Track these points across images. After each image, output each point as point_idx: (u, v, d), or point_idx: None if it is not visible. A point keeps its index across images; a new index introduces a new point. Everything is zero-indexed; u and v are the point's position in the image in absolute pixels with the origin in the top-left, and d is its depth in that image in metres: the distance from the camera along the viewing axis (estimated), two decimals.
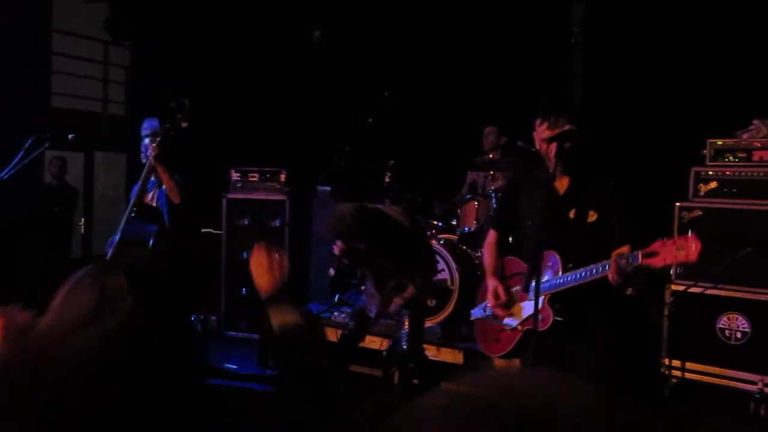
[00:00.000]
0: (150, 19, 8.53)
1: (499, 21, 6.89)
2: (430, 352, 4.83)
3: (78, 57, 8.69)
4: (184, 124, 4.54)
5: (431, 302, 5.17)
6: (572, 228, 2.96)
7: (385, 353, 5.00)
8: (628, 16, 6.26)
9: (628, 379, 4.30)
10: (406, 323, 4.37)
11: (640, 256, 2.60)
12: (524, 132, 5.52)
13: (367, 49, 7.54)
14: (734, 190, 4.79)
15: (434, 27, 7.19)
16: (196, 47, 8.25)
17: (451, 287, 5.09)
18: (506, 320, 3.08)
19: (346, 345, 4.68)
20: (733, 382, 4.68)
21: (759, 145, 4.79)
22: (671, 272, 4.76)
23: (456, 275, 5.09)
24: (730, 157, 4.86)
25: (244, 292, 6.61)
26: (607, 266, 2.68)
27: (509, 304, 3.07)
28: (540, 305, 2.81)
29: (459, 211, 5.69)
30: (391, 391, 4.94)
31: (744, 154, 4.82)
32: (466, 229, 5.56)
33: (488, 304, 3.15)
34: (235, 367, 5.60)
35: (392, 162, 5.55)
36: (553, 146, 2.92)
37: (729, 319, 4.76)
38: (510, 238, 3.62)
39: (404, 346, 4.37)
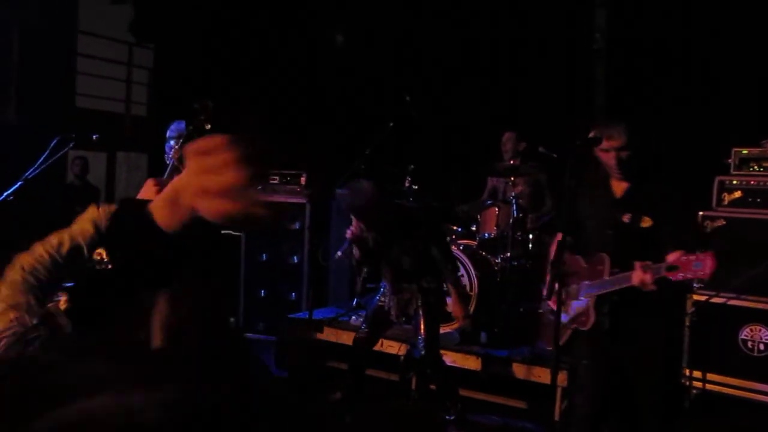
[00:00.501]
0: (174, 22, 8.60)
1: (521, 26, 6.86)
2: (448, 357, 4.81)
3: (102, 58, 8.79)
4: (207, 126, 4.54)
5: (449, 307, 5.16)
6: (625, 232, 3.05)
7: (402, 358, 5.00)
8: (651, 22, 6.21)
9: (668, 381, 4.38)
10: (422, 329, 4.35)
11: (663, 269, 2.72)
12: (545, 137, 5.53)
13: (389, 53, 7.55)
14: (758, 200, 4.72)
15: (456, 32, 7.18)
16: (218, 50, 8.30)
17: (470, 293, 5.07)
18: (561, 316, 3.19)
19: (360, 348, 4.68)
20: (755, 395, 4.62)
21: None
22: (694, 283, 4.72)
23: (475, 281, 5.07)
24: (755, 167, 4.80)
25: (262, 294, 6.64)
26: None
27: (564, 301, 3.18)
28: (584, 306, 3.00)
29: (479, 216, 5.67)
30: (408, 396, 4.94)
31: None
32: (486, 234, 5.53)
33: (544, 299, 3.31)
34: None
35: (412, 166, 5.54)
36: (612, 155, 3.02)
37: (752, 330, 4.70)
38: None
39: (422, 352, 4.36)
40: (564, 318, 3.14)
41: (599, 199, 3.15)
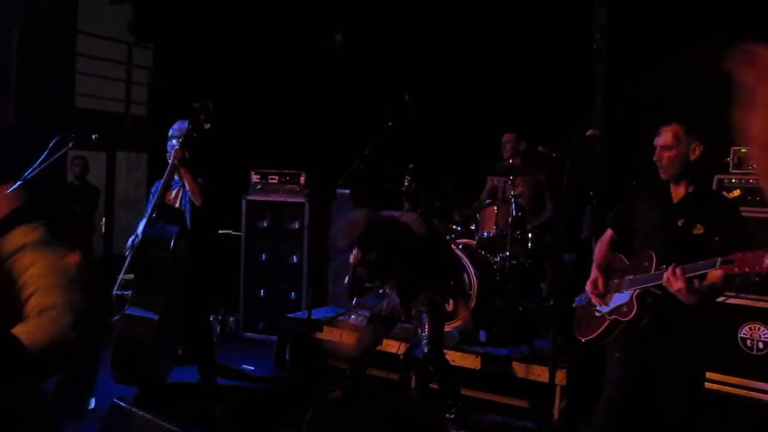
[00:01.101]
0: (173, 21, 8.60)
1: (521, 25, 6.86)
2: (448, 356, 4.81)
3: (102, 58, 8.79)
4: (207, 126, 4.55)
5: (449, 306, 5.16)
6: (677, 236, 3.09)
7: (402, 357, 5.00)
8: (650, 21, 6.21)
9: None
10: (427, 327, 4.36)
11: (718, 262, 2.75)
12: (545, 136, 5.53)
13: (388, 53, 7.54)
14: (757, 198, 4.74)
15: (455, 30, 7.18)
16: (218, 49, 8.30)
17: (470, 292, 5.07)
18: (599, 307, 3.28)
19: (364, 351, 4.68)
20: (754, 393, 4.64)
21: None
22: (751, 278, 4.74)
23: (474, 280, 5.07)
24: (754, 165, 4.80)
25: (262, 293, 6.65)
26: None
27: (604, 294, 3.27)
28: (628, 298, 3.09)
29: (478, 215, 5.67)
30: (408, 395, 4.94)
31: None
32: (485, 233, 5.54)
33: (586, 291, 3.38)
34: (252, 368, 5.62)
35: (412, 166, 5.55)
36: (657, 153, 3.09)
37: (751, 328, 4.71)
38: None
39: (425, 350, 4.36)
40: (604, 309, 3.24)
41: (656, 202, 3.22)
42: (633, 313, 3.07)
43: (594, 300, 3.31)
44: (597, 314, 3.30)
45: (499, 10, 6.87)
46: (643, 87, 6.15)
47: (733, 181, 4.84)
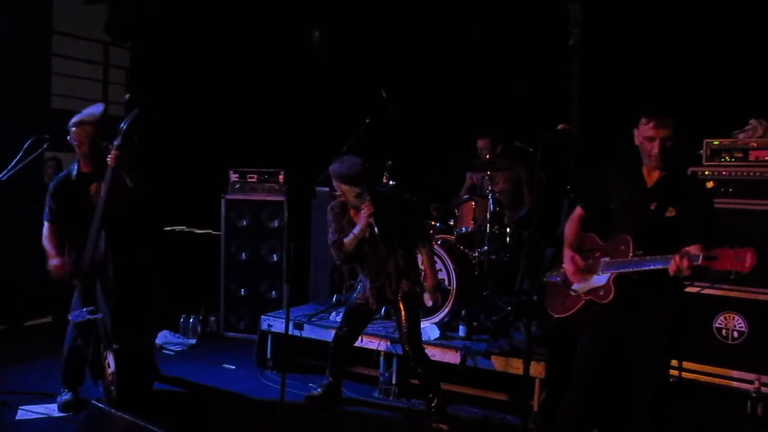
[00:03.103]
0: (150, 21, 8.55)
1: (497, 22, 6.90)
2: (428, 351, 4.83)
3: (78, 58, 8.70)
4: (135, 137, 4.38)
5: (429, 301, 5.19)
6: (650, 219, 3.20)
7: (382, 354, 5.02)
8: (627, 16, 6.26)
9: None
10: (404, 323, 4.39)
11: (701, 258, 2.85)
12: (522, 132, 5.57)
13: (366, 50, 7.56)
14: (731, 190, 4.81)
15: (432, 27, 7.21)
16: (195, 48, 8.27)
17: (449, 287, 5.11)
18: (575, 285, 3.39)
19: (341, 345, 4.70)
20: (730, 382, 4.71)
21: (755, 144, 4.81)
22: (731, 275, 4.81)
23: (454, 275, 5.11)
24: (727, 157, 4.88)
25: (243, 292, 6.64)
26: (669, 261, 2.94)
27: (582, 273, 3.37)
28: (605, 281, 3.22)
29: (457, 211, 5.70)
30: (388, 391, 4.96)
31: (740, 154, 4.84)
32: (464, 229, 5.57)
33: (563, 269, 3.48)
34: (233, 367, 5.62)
35: (390, 163, 5.57)
36: (657, 144, 3.14)
37: (726, 318, 4.78)
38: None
39: (405, 347, 4.39)
40: (580, 288, 3.36)
41: (631, 187, 3.31)
42: (611, 296, 3.20)
43: (571, 277, 3.41)
44: (572, 293, 3.41)
45: (475, 6, 6.90)
46: (620, 83, 6.22)
47: (707, 173, 4.91)
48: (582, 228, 3.54)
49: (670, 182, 3.25)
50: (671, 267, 2.94)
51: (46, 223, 4.32)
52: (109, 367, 4.16)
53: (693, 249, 2.93)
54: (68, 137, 4.33)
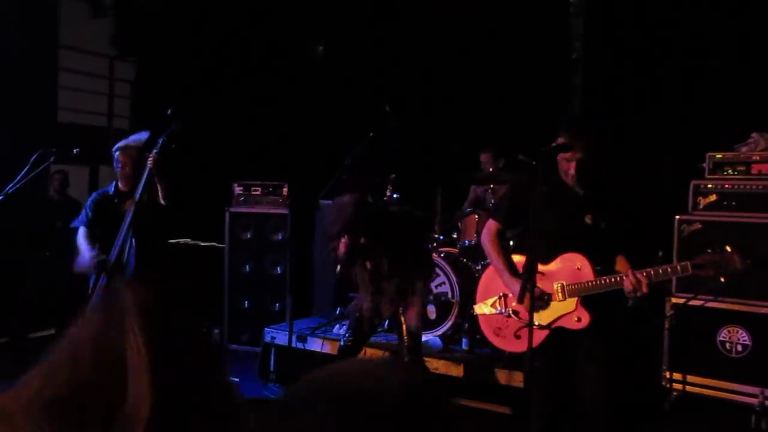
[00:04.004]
0: (155, 35, 8.61)
1: (499, 33, 6.94)
2: (431, 364, 4.84)
3: (84, 72, 8.77)
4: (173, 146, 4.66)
5: (432, 314, 5.19)
6: (590, 233, 3.08)
7: None
8: (629, 29, 6.30)
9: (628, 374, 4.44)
10: (405, 337, 4.38)
11: (690, 267, 2.80)
12: (525, 146, 5.59)
13: (369, 64, 7.60)
14: (733, 203, 4.81)
15: (435, 40, 7.25)
16: (200, 62, 8.33)
17: (452, 300, 5.11)
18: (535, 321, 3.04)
19: (345, 356, 4.70)
20: (733, 395, 4.69)
21: (758, 158, 4.81)
22: (672, 285, 4.79)
23: (456, 288, 5.11)
24: (729, 170, 4.88)
25: (246, 305, 6.65)
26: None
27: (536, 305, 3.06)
28: (574, 306, 3.02)
29: (460, 224, 5.72)
30: None
31: (743, 167, 4.84)
32: (467, 242, 5.58)
33: (513, 305, 3.20)
34: (236, 379, 5.62)
35: (393, 176, 5.59)
36: (572, 165, 3.01)
37: (729, 332, 4.77)
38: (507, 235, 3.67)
39: (405, 360, 4.39)
40: (540, 323, 3.07)
41: (561, 199, 3.12)
42: (588, 319, 3.02)
43: (523, 314, 3.09)
44: (536, 326, 3.02)
45: (478, 19, 6.94)
46: (621, 95, 6.24)
47: (709, 186, 4.91)
48: (503, 246, 3.28)
49: (598, 193, 3.13)
50: (626, 286, 2.89)
51: (81, 228, 4.72)
52: None
53: (620, 264, 2.97)
54: (113, 160, 4.82)
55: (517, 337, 3.21)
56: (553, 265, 3.09)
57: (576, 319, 3.01)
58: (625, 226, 3.09)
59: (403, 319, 4.40)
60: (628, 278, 2.88)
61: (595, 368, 3.02)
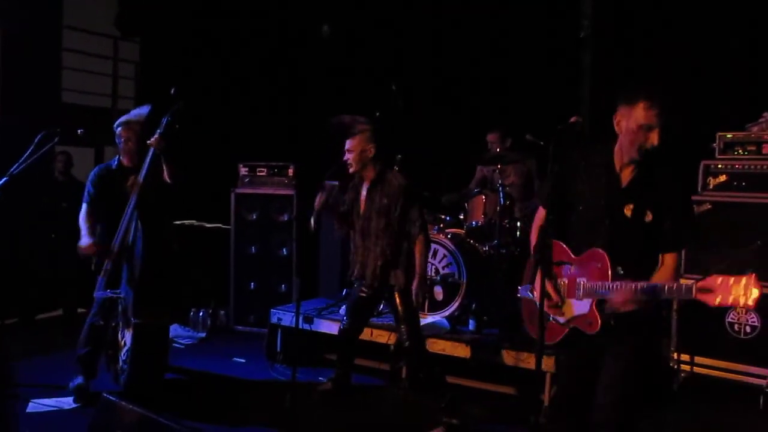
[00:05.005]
0: (159, 15, 8.55)
1: (507, 13, 6.86)
2: (438, 345, 4.84)
3: (88, 53, 8.73)
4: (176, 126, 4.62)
5: (439, 296, 5.18)
6: (628, 226, 2.76)
7: (392, 347, 5.02)
8: (637, 7, 6.22)
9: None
10: (402, 319, 4.36)
11: (694, 290, 2.49)
12: (531, 125, 5.53)
13: (375, 43, 7.53)
14: (744, 184, 4.77)
15: (441, 19, 7.17)
16: (204, 42, 8.27)
17: (459, 281, 5.09)
18: (554, 316, 2.93)
19: (346, 338, 4.70)
20: (742, 377, 4.68)
21: None
22: (732, 310, 4.72)
23: (464, 269, 5.09)
24: (740, 150, 4.84)
25: (252, 286, 6.64)
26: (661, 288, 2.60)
27: (558, 305, 2.91)
28: (588, 309, 2.79)
29: (467, 205, 5.68)
30: (398, 385, 4.96)
31: (754, 147, 4.80)
32: (474, 223, 5.55)
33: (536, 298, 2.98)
34: (243, 360, 5.63)
35: (400, 156, 5.54)
36: (655, 134, 2.66)
37: (738, 313, 4.74)
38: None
39: (405, 343, 4.38)
40: (561, 319, 2.92)
41: (600, 184, 2.83)
42: (598, 325, 2.77)
43: (547, 309, 2.87)
44: (554, 322, 2.94)
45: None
46: (630, 74, 6.17)
47: (720, 166, 4.87)
48: (550, 234, 2.95)
49: (647, 180, 2.78)
50: (615, 298, 2.66)
51: (84, 205, 4.65)
52: (124, 345, 4.39)
53: (665, 267, 2.69)
54: (115, 136, 4.73)
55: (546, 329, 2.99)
56: (582, 259, 2.85)
57: (587, 322, 2.80)
58: (675, 221, 2.73)
59: (398, 301, 4.37)
60: (618, 292, 2.62)
61: (612, 362, 2.83)
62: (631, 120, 2.73)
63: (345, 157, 4.45)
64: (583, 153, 2.96)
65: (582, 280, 2.83)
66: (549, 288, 2.85)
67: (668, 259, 2.78)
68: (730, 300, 2.42)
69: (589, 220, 2.85)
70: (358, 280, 4.55)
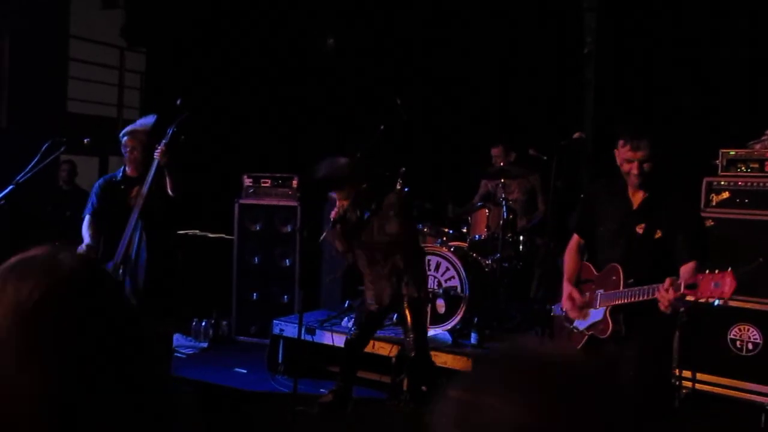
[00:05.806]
0: (165, 26, 8.61)
1: (511, 29, 6.90)
2: (439, 359, 4.84)
3: (94, 63, 8.79)
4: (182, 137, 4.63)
5: (441, 309, 5.18)
6: (639, 243, 3.09)
7: (393, 360, 5.01)
8: (641, 24, 6.25)
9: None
10: (410, 329, 4.37)
11: (682, 286, 2.75)
12: (536, 140, 5.56)
13: (380, 56, 7.57)
14: (746, 201, 4.76)
15: (447, 35, 7.21)
16: (210, 54, 8.32)
17: (461, 294, 5.10)
18: (576, 322, 3.27)
19: (351, 350, 4.70)
20: (744, 394, 4.66)
21: None
22: (713, 303, 4.75)
23: (466, 283, 5.10)
24: (743, 168, 4.84)
25: (254, 297, 6.65)
26: (657, 289, 2.83)
27: (582, 308, 3.25)
28: (602, 315, 3.10)
29: (470, 218, 5.70)
30: (399, 398, 4.95)
31: (756, 165, 4.79)
32: (477, 236, 5.56)
33: (562, 307, 3.37)
34: (245, 371, 5.63)
35: (404, 169, 5.56)
36: (635, 165, 3.03)
37: (740, 330, 4.73)
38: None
39: (411, 354, 4.39)
40: (581, 325, 3.24)
41: (616, 208, 3.22)
42: (609, 330, 3.08)
43: (572, 315, 3.28)
44: (575, 330, 3.29)
45: (490, 13, 6.91)
46: (633, 90, 6.20)
47: (722, 183, 4.87)
48: (581, 257, 3.42)
49: (656, 202, 3.15)
50: (662, 305, 2.84)
51: (86, 216, 4.65)
52: None
53: (684, 272, 2.88)
54: (121, 145, 4.73)
55: (568, 339, 3.35)
56: (602, 275, 3.20)
57: (601, 328, 3.11)
58: (687, 235, 3.04)
59: (407, 312, 4.39)
60: (659, 293, 2.84)
61: (622, 365, 3.00)
62: (618, 157, 3.15)
63: (337, 207, 4.40)
64: (604, 183, 3.36)
65: (599, 292, 3.17)
66: (575, 294, 3.23)
67: (683, 272, 2.99)
68: (709, 294, 2.69)
69: (609, 240, 3.23)
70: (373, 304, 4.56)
